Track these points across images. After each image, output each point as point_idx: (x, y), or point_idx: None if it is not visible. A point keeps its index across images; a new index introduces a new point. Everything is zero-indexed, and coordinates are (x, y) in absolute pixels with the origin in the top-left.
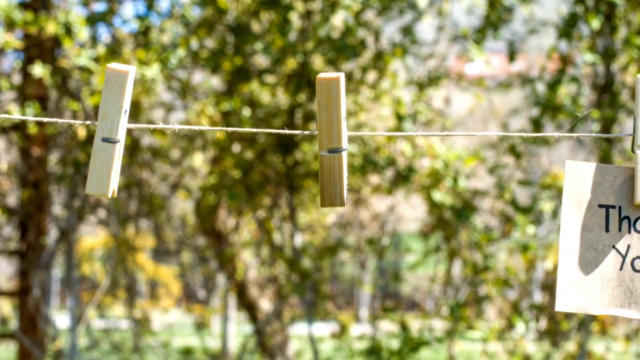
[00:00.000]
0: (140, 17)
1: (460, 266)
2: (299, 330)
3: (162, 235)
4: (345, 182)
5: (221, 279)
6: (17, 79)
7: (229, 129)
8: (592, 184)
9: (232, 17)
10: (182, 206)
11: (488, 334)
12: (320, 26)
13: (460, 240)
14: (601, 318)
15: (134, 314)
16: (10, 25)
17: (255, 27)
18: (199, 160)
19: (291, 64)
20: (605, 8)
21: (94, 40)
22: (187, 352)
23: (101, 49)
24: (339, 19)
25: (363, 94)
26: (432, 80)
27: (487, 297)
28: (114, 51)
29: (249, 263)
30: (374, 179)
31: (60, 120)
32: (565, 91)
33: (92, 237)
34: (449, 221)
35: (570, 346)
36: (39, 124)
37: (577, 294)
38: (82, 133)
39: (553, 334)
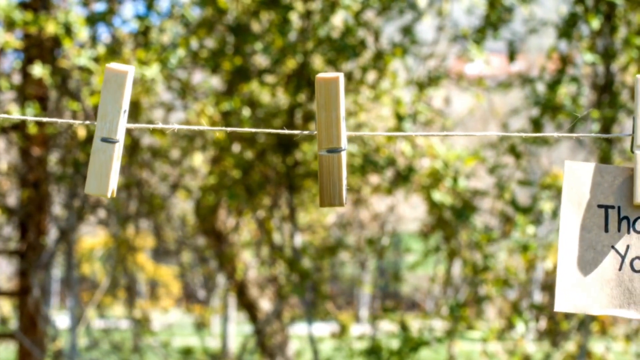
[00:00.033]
0: (140, 17)
1: (460, 266)
2: (299, 330)
3: (162, 235)
4: (344, 182)
5: (221, 279)
6: (17, 79)
7: (229, 129)
8: (592, 184)
9: (232, 17)
10: (182, 206)
11: (488, 334)
12: (320, 26)
13: (460, 240)
14: (601, 318)
15: (134, 314)
16: (10, 25)
17: (255, 27)
18: (198, 160)
19: (291, 64)
20: (605, 8)
21: (94, 40)
22: (187, 352)
23: (101, 49)
24: (338, 19)
25: (363, 94)
26: (432, 80)
27: (487, 297)
28: (113, 51)
29: (249, 263)
30: (374, 179)
31: (59, 120)
32: (565, 91)
33: (92, 237)
34: (449, 221)
35: (570, 346)
36: (39, 124)
37: (576, 294)
38: (82, 133)
39: (553, 334)
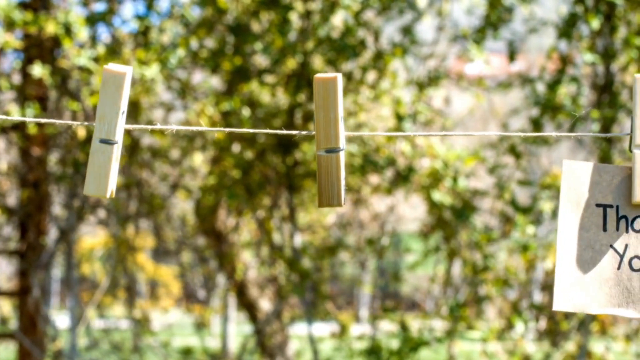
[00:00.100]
0: (140, 17)
1: (460, 266)
2: (298, 330)
3: (162, 235)
4: (343, 182)
5: (221, 279)
6: (17, 79)
7: (228, 129)
8: (590, 183)
9: (232, 17)
10: (182, 206)
11: (488, 334)
12: (320, 26)
13: (460, 240)
14: (601, 318)
15: (134, 314)
16: (10, 25)
17: (255, 27)
18: (198, 160)
19: (291, 64)
20: (605, 8)
21: (94, 40)
22: (187, 352)
23: (101, 49)
24: (338, 19)
25: (363, 94)
26: (432, 80)
27: (487, 297)
28: (113, 51)
29: (249, 263)
30: (374, 179)
31: (58, 122)
32: (565, 91)
33: (92, 237)
34: (449, 221)
35: (570, 346)
36: (39, 124)
37: (575, 293)
38: (81, 133)
39: (553, 334)
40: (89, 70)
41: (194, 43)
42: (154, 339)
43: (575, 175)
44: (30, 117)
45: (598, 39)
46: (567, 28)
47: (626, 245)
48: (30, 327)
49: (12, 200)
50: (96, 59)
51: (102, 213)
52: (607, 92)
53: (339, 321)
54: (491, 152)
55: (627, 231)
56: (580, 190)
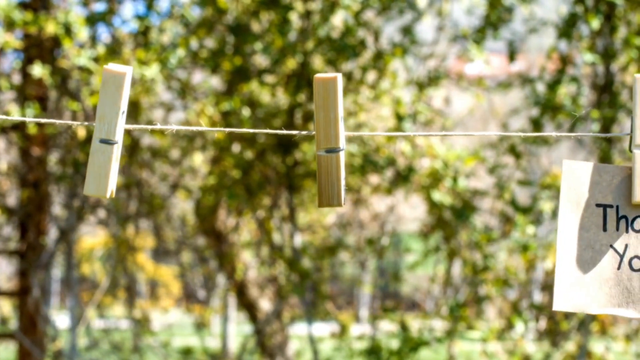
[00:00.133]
0: (140, 17)
1: (460, 266)
2: (298, 330)
3: (162, 235)
4: (342, 182)
5: (221, 279)
6: (16, 79)
7: (227, 129)
8: (590, 183)
9: (232, 17)
10: (182, 206)
11: (488, 334)
12: (320, 26)
13: (460, 240)
14: (601, 318)
15: (134, 314)
16: (10, 25)
17: (255, 27)
18: (198, 160)
19: (291, 64)
20: (605, 8)
21: (94, 40)
22: (187, 352)
23: (101, 49)
24: (338, 19)
25: (363, 94)
26: (432, 80)
27: (487, 297)
28: (113, 51)
29: (249, 263)
30: (374, 179)
31: (58, 122)
32: (565, 91)
33: (92, 237)
34: (449, 221)
35: (570, 346)
36: (39, 124)
37: (574, 293)
38: (81, 133)
39: (553, 334)
40: (89, 70)
41: (194, 43)
42: (154, 339)
43: (575, 175)
44: (30, 117)
45: (598, 39)
46: (567, 28)
47: (626, 245)
48: (30, 327)
49: (12, 200)
50: (96, 59)
51: (102, 213)
52: (607, 92)
53: (339, 321)
54: (491, 152)
55: (627, 231)
56: (580, 190)
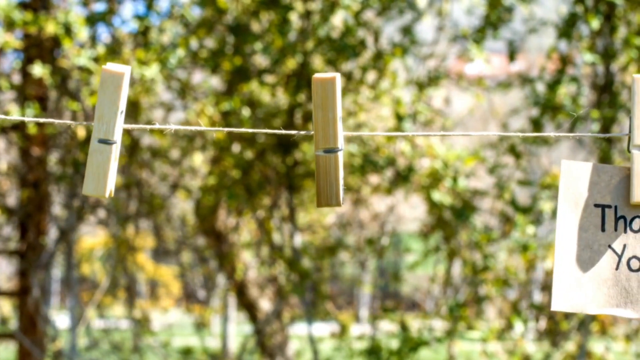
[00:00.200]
0: (139, 17)
1: (460, 266)
2: (299, 330)
3: (162, 235)
4: (341, 182)
5: (221, 279)
6: (16, 79)
7: (226, 129)
8: (588, 183)
9: (232, 17)
10: (182, 206)
11: (488, 334)
12: (320, 26)
13: (460, 240)
14: (601, 318)
15: (134, 314)
16: (10, 25)
17: (255, 27)
18: (198, 160)
19: (291, 64)
20: (605, 8)
21: (94, 40)
22: (187, 352)
23: (101, 49)
24: (338, 19)
25: (363, 94)
26: (432, 80)
27: (487, 297)
28: (113, 51)
29: (249, 263)
30: (374, 179)
31: (57, 121)
32: (565, 91)
33: (92, 237)
34: (449, 221)
35: (570, 346)
36: (39, 124)
37: (573, 293)
38: (81, 133)
39: (553, 334)
40: (88, 70)
41: (194, 43)
42: (154, 339)
43: (573, 176)
44: (30, 117)
45: (598, 39)
46: (567, 28)
47: (624, 246)
48: (30, 327)
49: (12, 200)
50: (96, 59)
51: (102, 213)
52: (607, 92)
53: (339, 321)
54: (491, 152)
55: (625, 231)
56: (579, 190)
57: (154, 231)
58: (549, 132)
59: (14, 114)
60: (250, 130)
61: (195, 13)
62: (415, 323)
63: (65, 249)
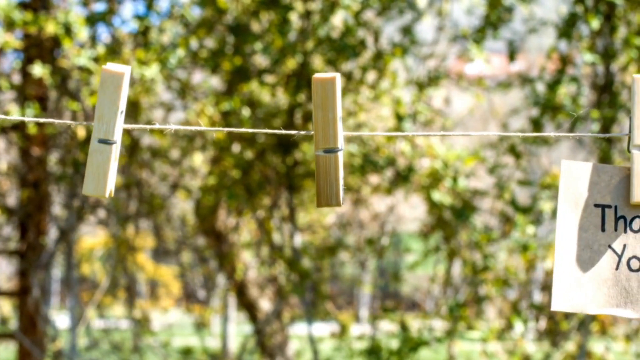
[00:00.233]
0: (139, 17)
1: (460, 266)
2: (299, 330)
3: (162, 235)
4: (341, 182)
5: (221, 279)
6: (16, 79)
7: (226, 129)
8: (588, 183)
9: (232, 17)
10: (182, 206)
11: (488, 334)
12: (320, 26)
13: (460, 240)
14: (601, 318)
15: (134, 314)
16: (10, 25)
17: (255, 27)
18: (198, 160)
19: (291, 64)
20: (605, 8)
21: (94, 40)
22: (187, 352)
23: (101, 49)
24: (338, 19)
25: (363, 94)
26: (432, 80)
27: (487, 297)
28: (113, 51)
29: (249, 263)
30: (374, 179)
31: (57, 121)
32: (565, 91)
33: (92, 237)
34: (449, 221)
35: (570, 346)
36: (39, 124)
37: (573, 293)
38: (81, 133)
39: (553, 334)
40: (88, 70)
41: (194, 43)
42: (154, 339)
43: (573, 176)
44: (30, 117)
45: (598, 39)
46: (567, 28)
47: (624, 246)
48: (30, 327)
49: (12, 200)
50: (96, 59)
51: (102, 213)
52: (607, 92)
53: (339, 321)
54: (491, 152)
55: (625, 231)
56: (579, 190)
57: (154, 231)
58: (549, 132)
59: (14, 114)
60: (250, 130)
61: (195, 13)
62: (415, 323)
63: (65, 249)
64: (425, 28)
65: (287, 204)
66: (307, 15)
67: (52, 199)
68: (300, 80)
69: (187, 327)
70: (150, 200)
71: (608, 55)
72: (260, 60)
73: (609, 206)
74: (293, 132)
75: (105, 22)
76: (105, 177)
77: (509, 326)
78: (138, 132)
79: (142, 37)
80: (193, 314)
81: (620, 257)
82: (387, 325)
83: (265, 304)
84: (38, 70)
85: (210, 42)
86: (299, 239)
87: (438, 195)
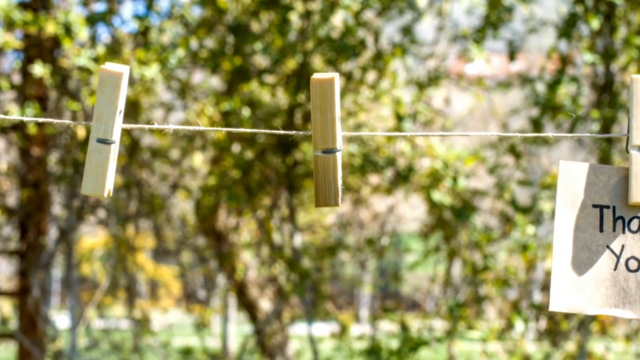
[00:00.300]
0: (139, 17)
1: (460, 266)
2: (299, 330)
3: (162, 235)
4: (339, 182)
5: (221, 279)
6: (16, 79)
7: (226, 129)
8: (586, 184)
9: (232, 17)
10: (182, 206)
11: (488, 334)
12: (320, 26)
13: (460, 240)
14: (601, 318)
15: (134, 314)
16: (10, 25)
17: (255, 27)
18: (198, 160)
19: (291, 64)
20: (605, 8)
21: (94, 40)
22: (187, 352)
23: (101, 49)
24: (338, 19)
25: (363, 94)
26: (432, 80)
27: (487, 297)
28: (113, 51)
29: (249, 263)
30: (374, 179)
31: (57, 121)
32: (565, 91)
33: (92, 237)
34: (449, 221)
35: (570, 346)
36: (39, 124)
37: (571, 294)
38: (81, 133)
39: (553, 334)
40: (88, 70)
41: (194, 43)
42: (154, 339)
43: (571, 176)
44: (30, 117)
45: (598, 39)
46: (567, 28)
47: (622, 246)
48: (30, 327)
49: (12, 200)
50: (96, 59)
51: (102, 213)
52: (607, 92)
53: (339, 321)
54: (491, 152)
55: (623, 232)
56: (577, 191)
57: (154, 231)
58: (549, 132)
59: (14, 114)
60: (250, 130)
61: (195, 13)
62: (415, 323)
63: (65, 249)
64: (425, 28)
65: (287, 204)
66: (307, 15)
67: (52, 199)
68: (300, 80)
69: (187, 327)
70: (150, 200)
71: (608, 55)
72: (260, 60)
73: (607, 207)
74: (293, 132)
75: (105, 22)
76: (104, 176)
77: (509, 326)
78: (138, 132)
79: (142, 37)
80: (193, 314)
81: (618, 257)
82: (387, 325)
83: (265, 304)
84: (38, 70)
85: (210, 42)
86: (299, 239)
87: (438, 195)
